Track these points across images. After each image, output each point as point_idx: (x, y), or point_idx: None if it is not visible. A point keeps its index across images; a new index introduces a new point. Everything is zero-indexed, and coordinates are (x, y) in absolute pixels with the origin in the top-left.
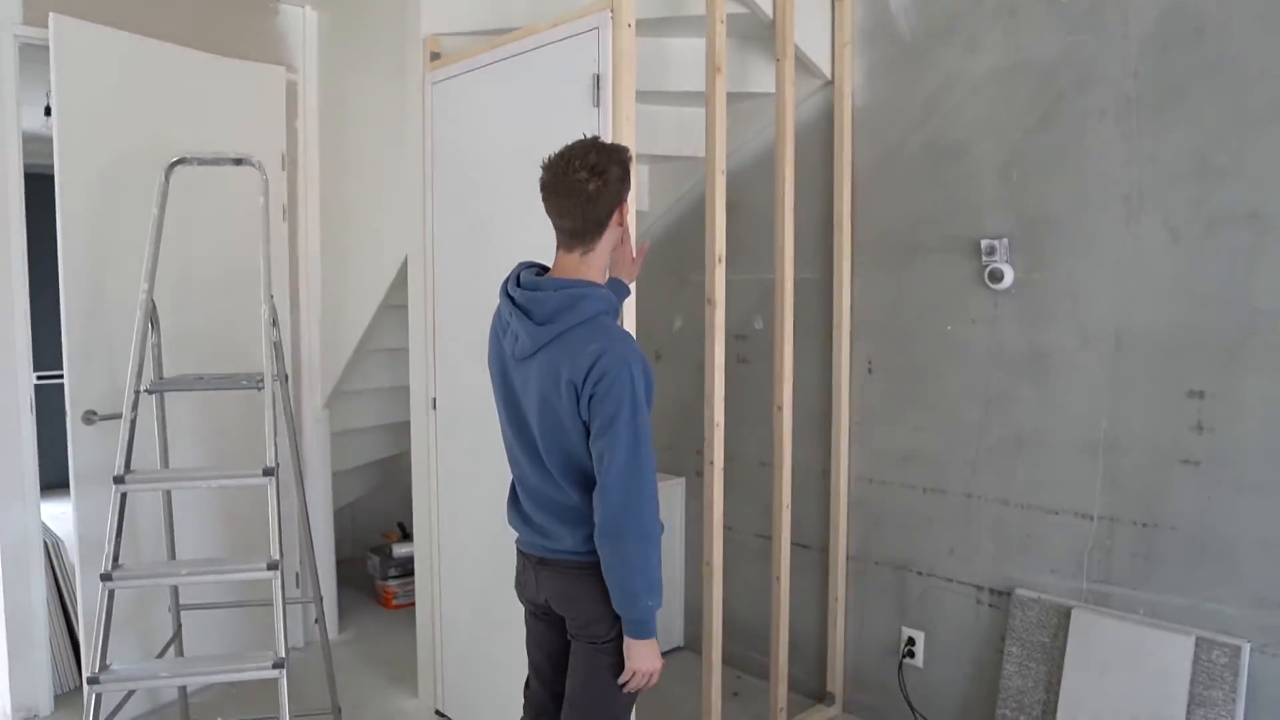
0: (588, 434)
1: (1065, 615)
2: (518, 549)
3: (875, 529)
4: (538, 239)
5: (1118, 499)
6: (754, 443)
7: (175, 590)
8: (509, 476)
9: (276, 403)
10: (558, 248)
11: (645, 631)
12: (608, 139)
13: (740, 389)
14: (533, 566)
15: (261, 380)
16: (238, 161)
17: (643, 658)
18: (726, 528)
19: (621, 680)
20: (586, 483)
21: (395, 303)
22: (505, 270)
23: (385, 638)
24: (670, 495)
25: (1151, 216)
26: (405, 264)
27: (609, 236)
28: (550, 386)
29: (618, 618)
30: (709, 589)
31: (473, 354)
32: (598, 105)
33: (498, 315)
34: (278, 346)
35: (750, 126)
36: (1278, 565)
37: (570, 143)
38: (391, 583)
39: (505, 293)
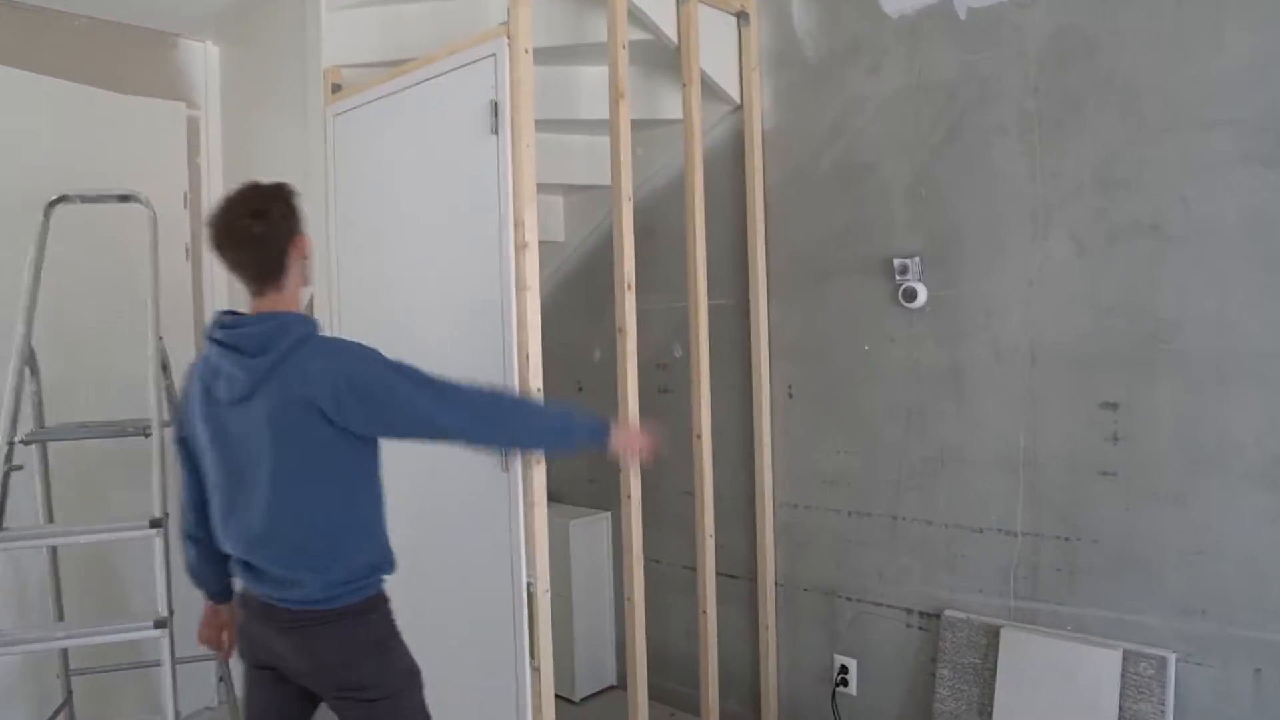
0: (355, 440)
1: (994, 634)
2: (243, 598)
3: (802, 555)
4: (443, 273)
5: (1040, 514)
6: (679, 473)
7: (64, 654)
8: (435, 508)
9: (166, 450)
10: (250, 298)
11: (601, 436)
12: (507, 168)
13: (663, 418)
14: (271, 624)
15: (148, 427)
16: (124, 198)
17: (626, 444)
18: (654, 560)
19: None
20: (344, 504)
21: None
22: (415, 306)
23: None
24: (596, 530)
25: (1057, 230)
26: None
27: (295, 271)
28: (287, 414)
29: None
30: (631, 626)
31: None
32: (496, 133)
33: (202, 367)
34: (169, 390)
35: (664, 154)
36: (1197, 574)
37: (227, 194)
38: None
39: (209, 339)
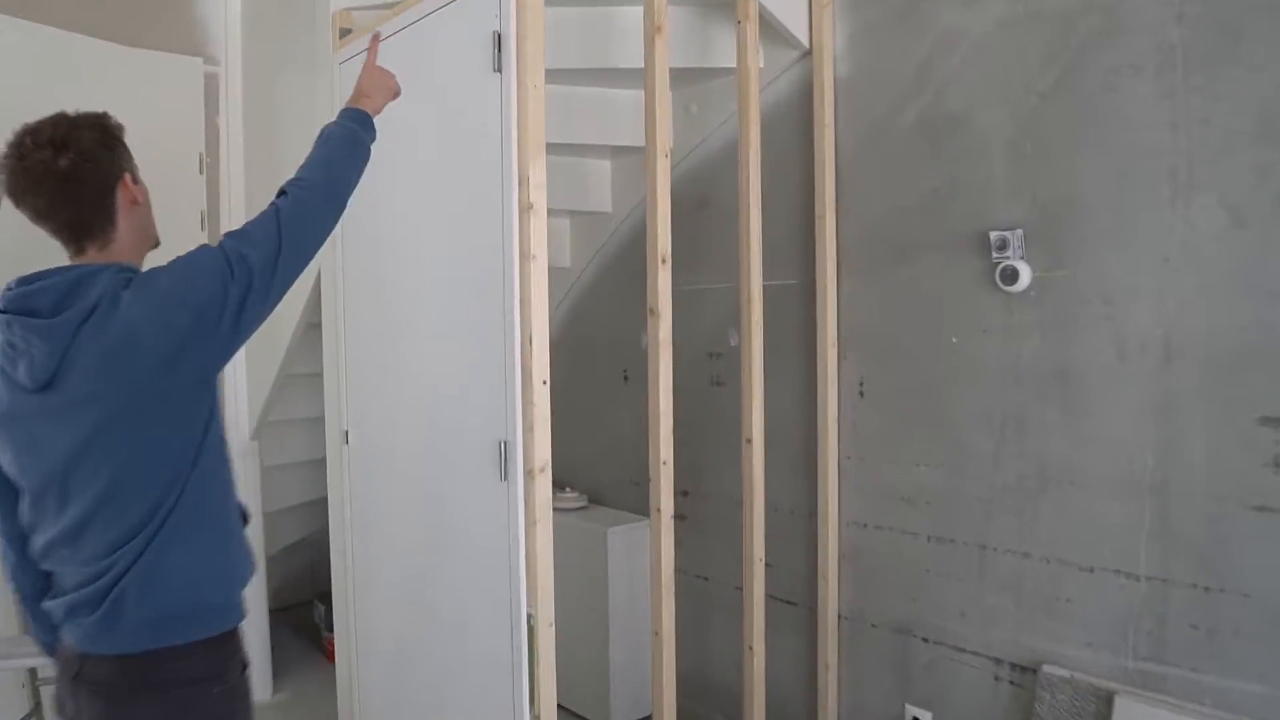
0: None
1: (1106, 700)
2: (58, 659)
3: (872, 584)
4: (443, 240)
5: (1171, 554)
6: (732, 478)
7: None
8: (425, 520)
9: None
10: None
11: (366, 124)
12: (511, 113)
13: (715, 415)
14: (73, 676)
15: None
16: None
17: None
18: (700, 578)
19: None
20: (170, 484)
21: (318, 320)
22: (414, 278)
23: (324, 697)
24: (637, 539)
25: (1205, 194)
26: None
27: (127, 224)
28: (110, 381)
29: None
30: (658, 664)
31: (386, 376)
32: (499, 70)
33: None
34: None
35: (721, 110)
36: None
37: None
38: None
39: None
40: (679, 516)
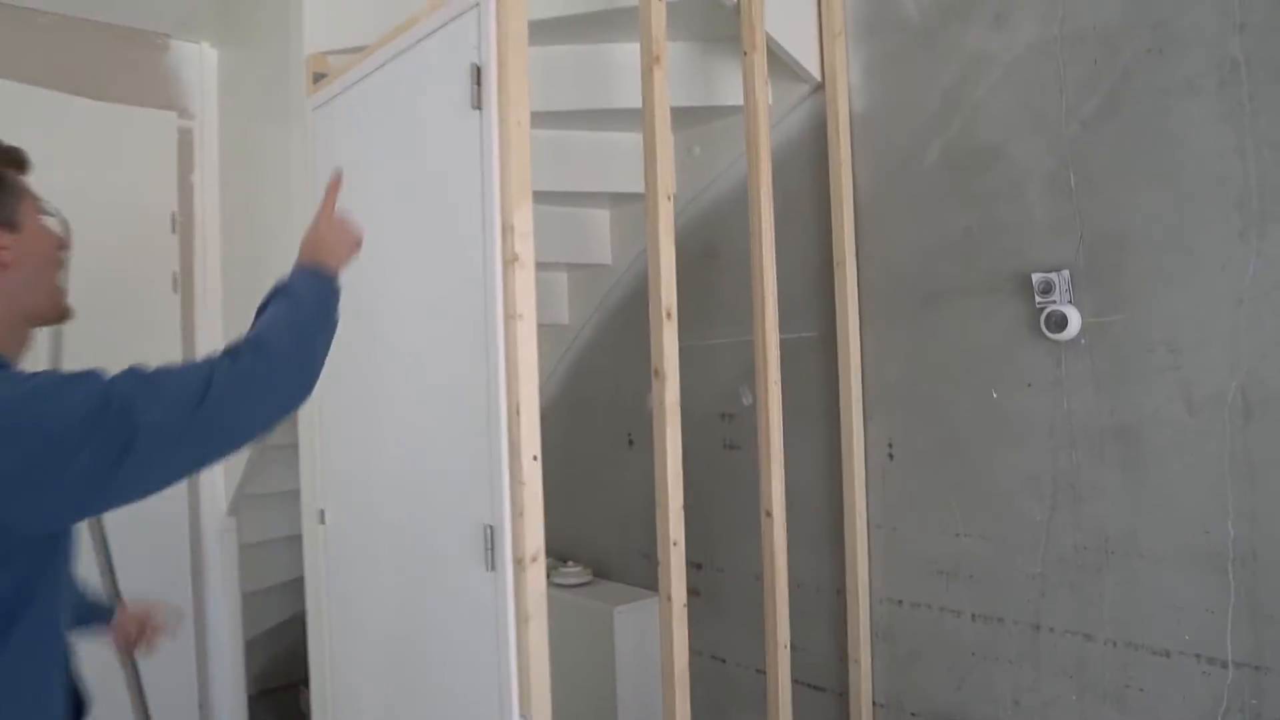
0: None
1: None
2: None
3: (910, 668)
4: (419, 300)
5: (1264, 637)
6: (749, 549)
7: None
8: (406, 612)
9: None
10: None
11: (328, 280)
12: (492, 154)
13: (728, 480)
14: None
15: None
16: None
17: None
18: (718, 660)
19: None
20: None
21: None
22: (391, 346)
23: None
24: (647, 618)
25: None
26: None
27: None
28: None
29: None
30: None
31: (363, 450)
32: (478, 107)
33: None
34: None
35: (727, 152)
36: None
37: None
38: None
39: None
40: (692, 592)
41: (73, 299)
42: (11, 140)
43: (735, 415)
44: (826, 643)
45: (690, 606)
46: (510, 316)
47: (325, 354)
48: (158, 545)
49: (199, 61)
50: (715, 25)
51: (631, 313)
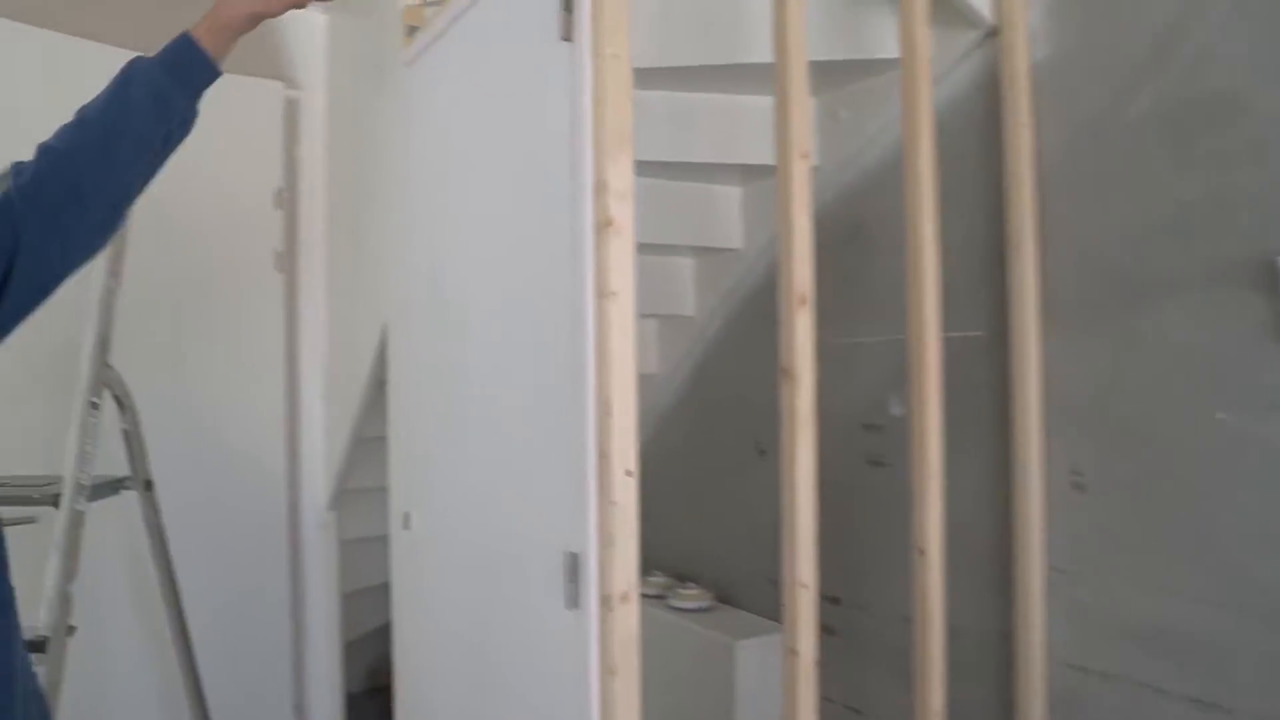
0: None
1: None
2: None
3: None
4: (501, 272)
5: None
6: (895, 584)
7: None
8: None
9: (72, 531)
10: None
11: (192, 61)
12: (584, 89)
13: (872, 502)
14: None
15: (52, 495)
16: None
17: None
18: (854, 710)
19: None
20: None
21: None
22: (470, 325)
23: None
24: (770, 656)
25: None
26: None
27: None
28: None
29: None
30: None
31: (446, 450)
32: (568, 39)
33: None
34: (128, 436)
35: (879, 115)
36: None
37: None
38: None
39: None
40: (827, 630)
41: (174, 280)
42: None
43: (882, 427)
44: (989, 707)
45: (823, 647)
46: (602, 295)
47: (144, 158)
48: (255, 540)
49: (308, 27)
50: None
51: (763, 305)
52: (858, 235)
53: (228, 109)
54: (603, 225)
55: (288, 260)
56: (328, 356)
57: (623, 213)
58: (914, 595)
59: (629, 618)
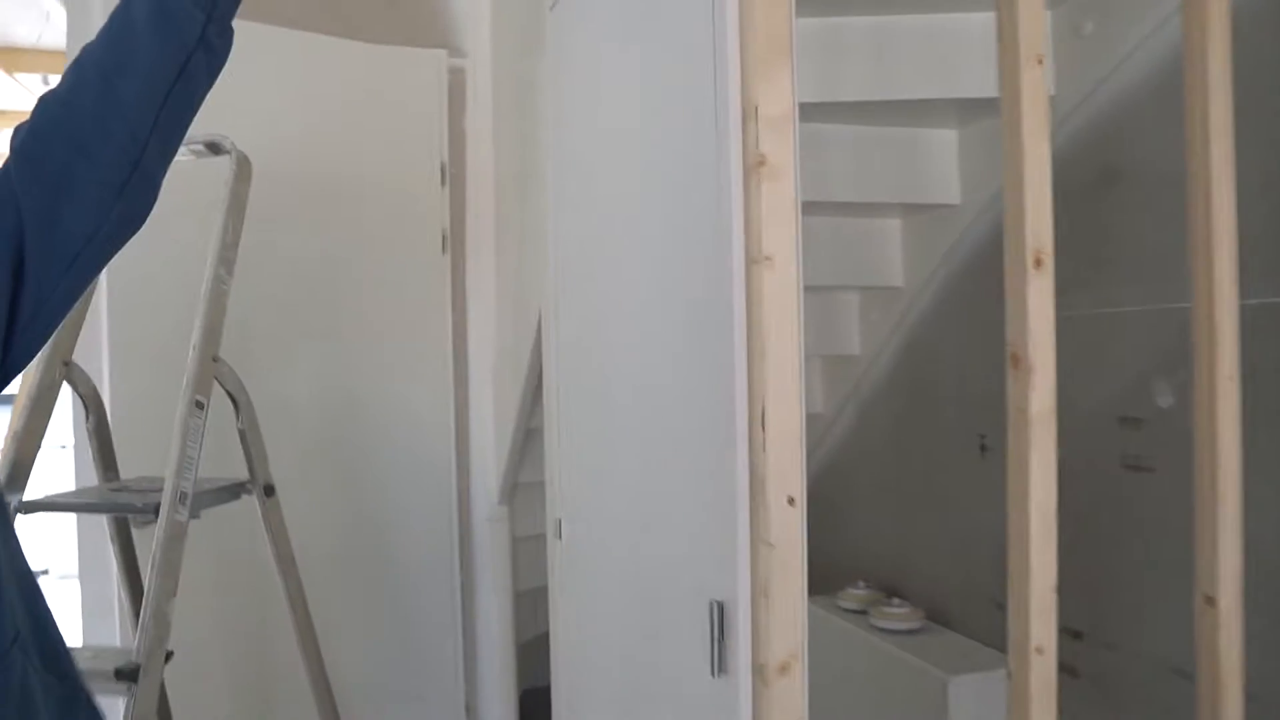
0: None
1: None
2: None
3: None
4: (648, 230)
5: None
6: (1163, 623)
7: None
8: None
9: (171, 545)
10: None
11: None
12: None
13: (1128, 515)
14: None
15: (154, 504)
16: (214, 149)
17: None
18: None
19: None
20: None
21: None
22: (620, 296)
23: None
24: (990, 698)
25: None
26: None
27: None
28: None
29: None
30: None
31: (597, 455)
32: None
33: None
34: (244, 436)
35: (1137, 22)
36: None
37: None
38: None
39: None
40: (1066, 670)
41: (338, 263)
42: (267, 88)
43: (1144, 421)
44: None
45: (1062, 690)
46: (753, 260)
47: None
48: (425, 535)
49: None
50: None
51: (985, 273)
52: (1110, 180)
53: (390, 80)
54: (754, 166)
55: (454, 240)
56: (496, 342)
57: (779, 149)
58: (1198, 652)
59: (791, 695)
